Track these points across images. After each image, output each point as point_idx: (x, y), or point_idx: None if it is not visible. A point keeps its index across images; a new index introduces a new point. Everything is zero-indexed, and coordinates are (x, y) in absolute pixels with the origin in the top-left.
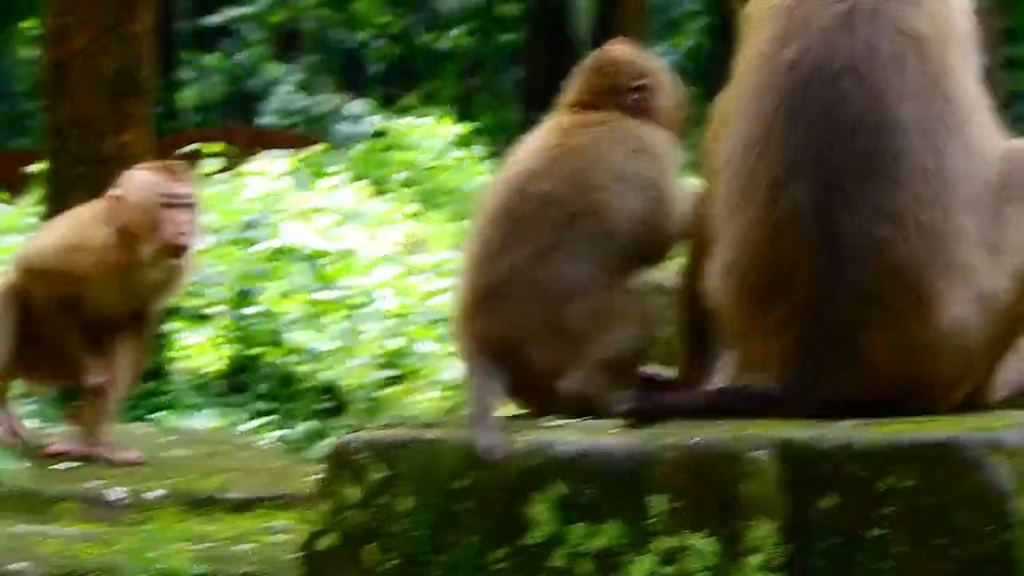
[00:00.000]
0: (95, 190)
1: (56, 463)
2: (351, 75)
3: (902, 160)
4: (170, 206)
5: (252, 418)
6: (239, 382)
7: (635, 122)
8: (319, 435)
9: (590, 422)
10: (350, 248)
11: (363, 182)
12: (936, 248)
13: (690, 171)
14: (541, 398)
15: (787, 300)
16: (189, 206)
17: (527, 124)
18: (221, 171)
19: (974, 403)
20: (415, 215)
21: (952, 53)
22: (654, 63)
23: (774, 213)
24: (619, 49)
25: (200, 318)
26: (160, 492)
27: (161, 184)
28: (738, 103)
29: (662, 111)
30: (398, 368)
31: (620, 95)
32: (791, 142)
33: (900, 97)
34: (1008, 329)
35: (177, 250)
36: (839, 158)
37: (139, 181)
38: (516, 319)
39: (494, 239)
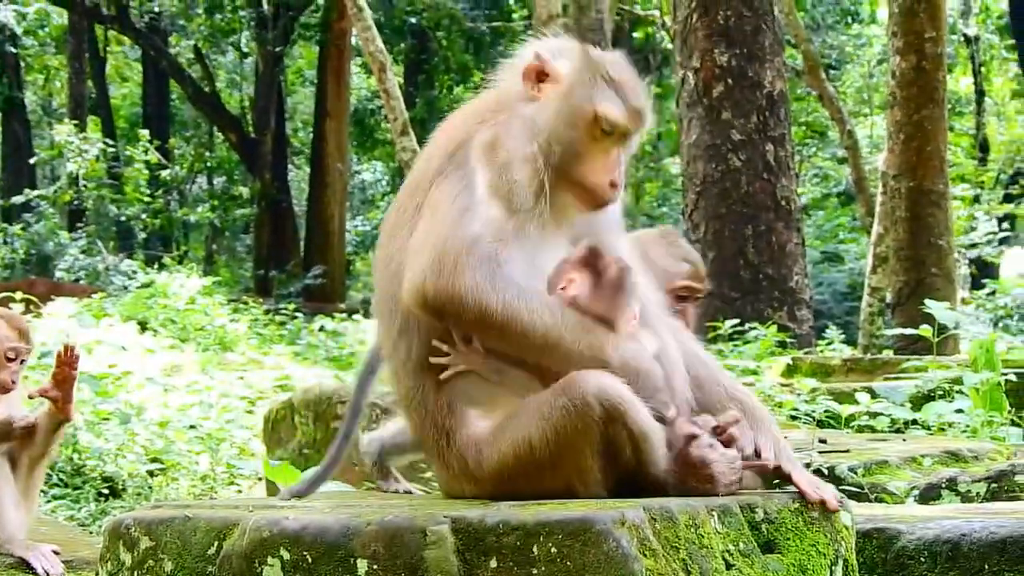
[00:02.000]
0: None
1: None
2: (123, 240)
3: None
4: (10, 360)
5: (48, 501)
6: None
7: None
8: (102, 514)
9: (314, 503)
10: (124, 371)
11: (132, 322)
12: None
13: None
14: None
15: None
16: (24, 361)
17: (257, 279)
18: (23, 313)
19: None
20: (172, 347)
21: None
22: None
23: None
24: None
25: None
26: None
27: (9, 339)
28: None
29: None
30: (162, 463)
31: None
32: None
33: None
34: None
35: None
36: None
37: None
38: None
39: None
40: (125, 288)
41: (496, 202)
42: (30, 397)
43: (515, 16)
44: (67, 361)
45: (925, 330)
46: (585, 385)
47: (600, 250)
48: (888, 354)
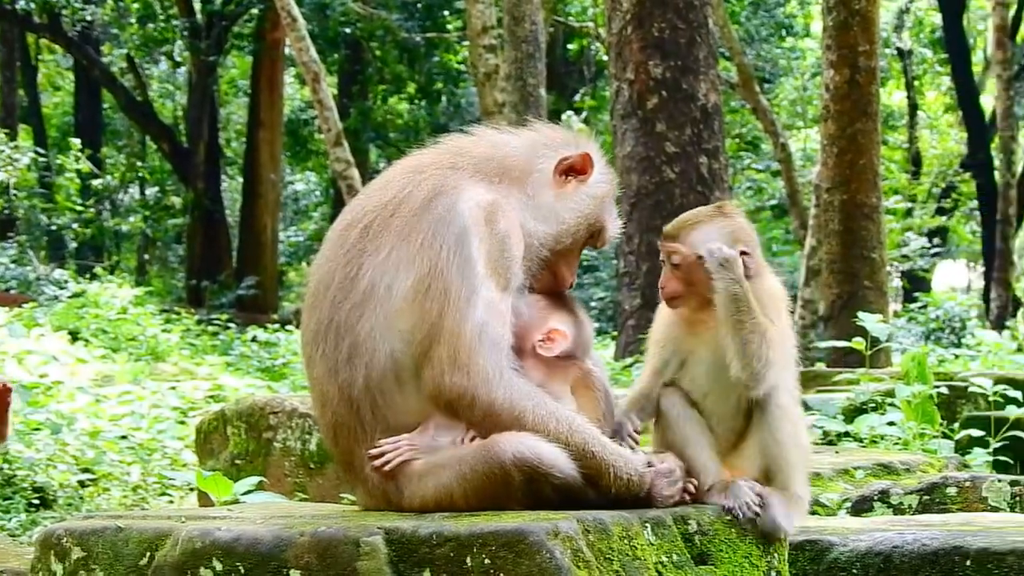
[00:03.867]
0: None
1: None
2: (54, 250)
3: None
4: None
5: None
6: None
7: None
8: (32, 524)
9: (247, 512)
10: (55, 381)
11: (63, 332)
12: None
13: None
14: None
15: None
16: None
17: (189, 289)
18: None
19: None
20: (103, 358)
21: None
22: None
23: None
24: None
25: None
26: None
27: None
28: None
29: None
30: (93, 473)
31: None
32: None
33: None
34: None
35: None
36: None
37: None
38: None
39: None
40: (56, 298)
41: (493, 281)
42: None
43: (449, 27)
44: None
45: (858, 343)
46: (503, 454)
47: (570, 298)
48: (821, 367)
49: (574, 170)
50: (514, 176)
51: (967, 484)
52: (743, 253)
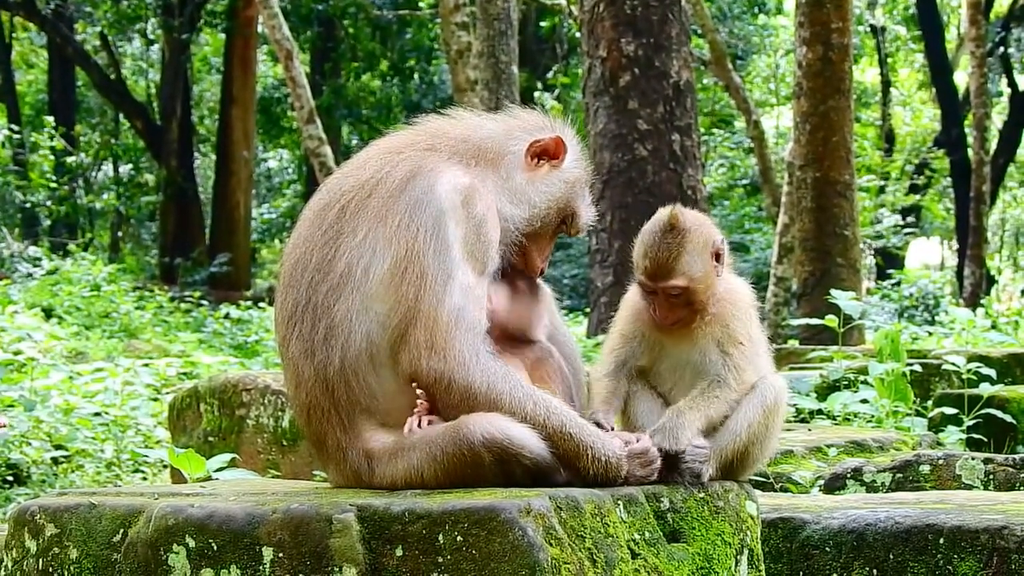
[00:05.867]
0: None
1: None
2: (28, 227)
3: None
4: None
5: None
6: None
7: None
8: (6, 501)
9: (220, 489)
10: (28, 358)
11: (37, 309)
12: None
13: None
14: None
15: None
16: None
17: (162, 266)
18: None
19: None
20: (77, 334)
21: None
22: None
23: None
24: None
25: None
26: None
27: None
28: None
29: None
30: (67, 450)
31: None
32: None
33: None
34: None
35: None
36: None
37: None
38: None
39: None
40: (30, 275)
41: (469, 265)
42: None
43: (422, 5)
44: None
45: (830, 320)
46: (472, 435)
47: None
48: (794, 344)
49: (547, 153)
50: (489, 158)
51: (940, 462)
52: (720, 251)
